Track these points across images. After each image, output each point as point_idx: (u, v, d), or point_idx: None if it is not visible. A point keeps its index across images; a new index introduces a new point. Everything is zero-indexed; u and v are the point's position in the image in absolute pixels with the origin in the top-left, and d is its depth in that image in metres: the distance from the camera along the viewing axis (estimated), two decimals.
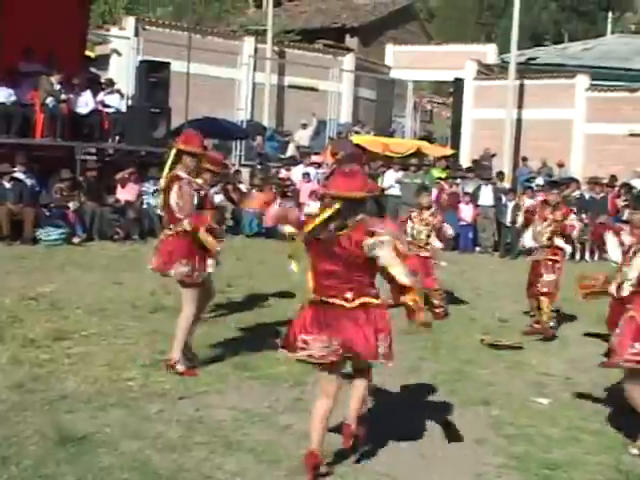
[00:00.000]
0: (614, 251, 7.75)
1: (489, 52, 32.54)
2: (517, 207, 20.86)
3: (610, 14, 42.97)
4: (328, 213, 5.47)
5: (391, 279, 5.54)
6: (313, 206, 20.86)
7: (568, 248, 11.37)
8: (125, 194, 18.16)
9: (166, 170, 7.85)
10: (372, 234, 5.40)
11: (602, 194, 21.33)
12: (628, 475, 5.86)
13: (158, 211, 8.34)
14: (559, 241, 10.74)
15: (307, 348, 5.53)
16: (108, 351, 8.32)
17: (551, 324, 10.66)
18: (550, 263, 10.65)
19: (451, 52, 31.97)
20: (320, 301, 5.59)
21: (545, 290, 10.61)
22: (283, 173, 21.59)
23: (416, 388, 7.77)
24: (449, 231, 11.67)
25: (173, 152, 7.85)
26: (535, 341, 10.29)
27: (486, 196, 21.43)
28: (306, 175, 21.49)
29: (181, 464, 5.59)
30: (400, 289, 5.56)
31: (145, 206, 18.43)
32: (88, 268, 13.47)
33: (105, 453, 5.63)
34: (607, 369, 8.99)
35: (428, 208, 11.41)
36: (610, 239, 7.87)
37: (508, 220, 20.50)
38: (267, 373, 7.90)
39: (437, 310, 10.99)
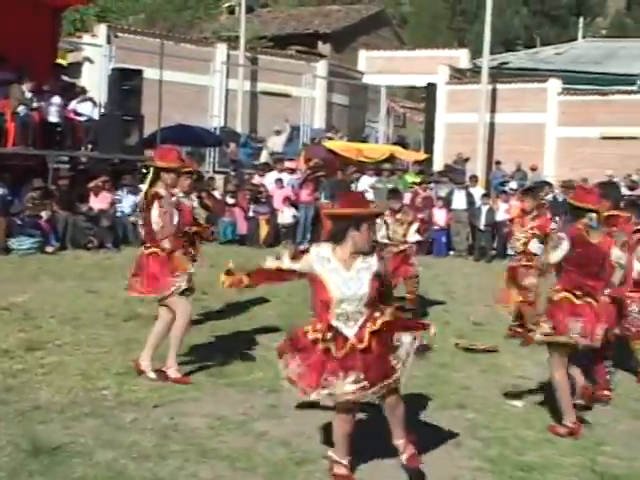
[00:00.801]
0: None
1: (461, 57, 32.71)
2: (491, 211, 21.01)
3: (581, 19, 43.26)
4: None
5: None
6: (287, 212, 20.91)
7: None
8: (98, 202, 18.08)
9: (145, 187, 7.79)
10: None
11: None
12: (603, 476, 5.89)
13: (139, 229, 8.34)
14: (532, 245, 10.76)
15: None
16: (82, 360, 8.27)
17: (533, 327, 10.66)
18: (525, 270, 10.68)
19: (423, 57, 32.11)
20: None
21: (530, 298, 10.64)
22: (256, 179, 21.55)
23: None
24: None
25: (152, 170, 7.80)
26: (510, 344, 10.30)
27: (459, 200, 21.51)
28: (279, 181, 21.47)
29: (156, 473, 5.56)
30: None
31: (119, 214, 18.36)
32: (61, 277, 13.39)
33: (79, 463, 5.59)
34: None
35: (399, 211, 11.60)
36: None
37: (482, 224, 20.60)
38: (242, 380, 7.89)
39: (410, 296, 11.17)
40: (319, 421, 6.80)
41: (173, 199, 7.82)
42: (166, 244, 7.63)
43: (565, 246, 6.90)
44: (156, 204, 7.59)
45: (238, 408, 7.04)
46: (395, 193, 12.42)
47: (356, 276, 5.47)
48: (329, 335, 5.49)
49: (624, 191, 22.35)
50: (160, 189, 7.66)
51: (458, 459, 6.18)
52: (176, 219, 7.74)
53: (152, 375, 7.73)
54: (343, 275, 5.46)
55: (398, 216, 11.57)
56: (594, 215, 7.12)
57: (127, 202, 18.66)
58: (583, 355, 7.39)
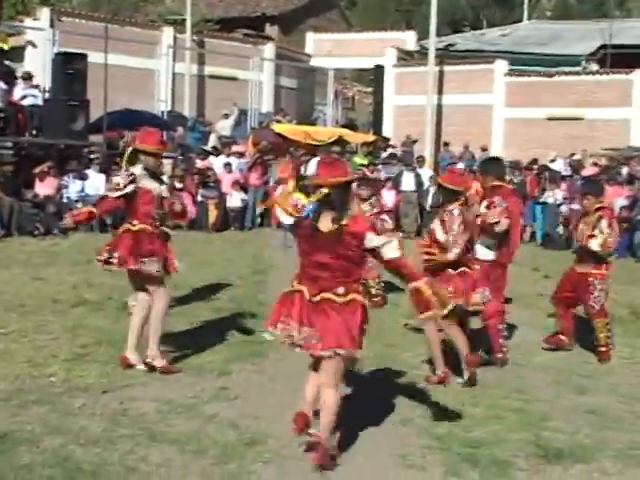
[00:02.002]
0: None
1: (409, 39, 32.77)
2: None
3: (526, 0, 43.59)
4: (316, 197, 5.54)
5: (399, 272, 5.70)
6: (236, 196, 20.86)
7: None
8: (44, 188, 17.89)
9: (123, 168, 7.67)
10: (374, 229, 5.64)
11: (521, 177, 21.68)
12: (547, 450, 6.00)
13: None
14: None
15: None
16: (29, 348, 8.19)
17: None
18: None
19: (371, 39, 32.12)
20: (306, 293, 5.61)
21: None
22: (199, 163, 21.37)
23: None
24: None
25: (128, 151, 7.70)
26: None
27: (408, 182, 21.63)
28: (228, 165, 21.40)
29: (105, 458, 5.54)
30: (409, 279, 5.66)
31: (65, 200, 18.18)
32: (7, 264, 13.25)
33: (26, 450, 5.54)
34: (526, 349, 9.27)
35: (367, 199, 11.44)
36: None
37: (429, 205, 20.74)
38: (192, 364, 7.89)
39: (375, 299, 11.09)
40: (268, 403, 6.85)
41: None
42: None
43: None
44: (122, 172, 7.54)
45: (188, 391, 7.03)
46: (365, 181, 12.07)
47: None
48: None
49: (568, 171, 22.74)
50: (137, 170, 7.55)
51: (406, 437, 6.25)
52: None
53: (142, 367, 7.61)
54: None
55: (363, 205, 11.32)
56: (461, 198, 7.78)
57: (73, 188, 18.49)
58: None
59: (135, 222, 7.58)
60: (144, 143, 7.64)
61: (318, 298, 5.54)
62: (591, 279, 8.93)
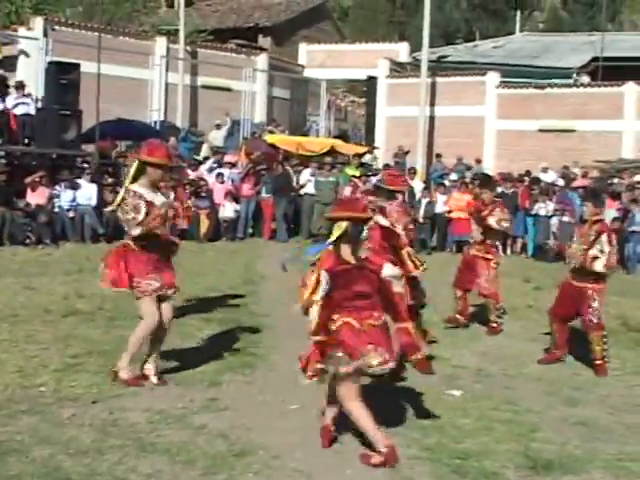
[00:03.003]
0: None
1: (401, 50, 32.85)
2: (430, 203, 21.21)
3: (519, 13, 43.77)
4: (338, 233, 6.02)
5: (392, 307, 6.22)
6: (228, 207, 20.86)
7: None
8: (36, 198, 17.87)
9: (127, 182, 7.54)
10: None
11: (513, 189, 21.73)
12: (536, 461, 6.00)
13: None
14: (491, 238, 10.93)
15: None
16: (19, 357, 8.17)
17: (499, 320, 10.84)
18: (484, 262, 10.81)
19: (364, 51, 32.20)
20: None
21: (487, 292, 10.78)
22: (191, 174, 21.32)
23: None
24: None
25: (136, 164, 7.57)
26: (448, 335, 10.43)
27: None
28: (220, 175, 21.41)
29: (94, 468, 5.54)
30: (399, 319, 6.24)
31: (57, 210, 18.17)
32: None
33: (15, 461, 5.54)
34: (517, 360, 9.30)
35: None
36: None
37: (421, 216, 20.77)
38: (182, 374, 7.87)
39: None
40: (258, 414, 6.85)
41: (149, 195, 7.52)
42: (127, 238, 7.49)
43: None
44: (129, 197, 7.37)
45: (178, 402, 7.02)
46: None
47: None
48: None
49: (560, 182, 22.82)
50: (137, 185, 7.42)
51: (395, 448, 6.24)
52: (142, 213, 7.37)
53: (155, 380, 7.55)
54: None
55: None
56: (400, 196, 8.92)
57: (65, 197, 18.48)
58: None
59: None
60: (152, 155, 7.50)
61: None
62: (590, 292, 8.93)
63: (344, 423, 6.56)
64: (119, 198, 7.52)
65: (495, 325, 10.77)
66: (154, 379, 7.58)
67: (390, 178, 9.06)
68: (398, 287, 6.02)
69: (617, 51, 30.88)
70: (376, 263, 6.20)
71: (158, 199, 7.55)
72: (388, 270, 6.11)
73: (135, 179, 7.49)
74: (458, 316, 10.97)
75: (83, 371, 7.81)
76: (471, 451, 6.21)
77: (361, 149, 25.94)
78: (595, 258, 8.81)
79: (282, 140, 24.38)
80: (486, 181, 12.02)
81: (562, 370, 8.99)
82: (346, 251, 6.05)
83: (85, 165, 20.18)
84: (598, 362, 8.93)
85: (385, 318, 6.08)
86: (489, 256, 10.86)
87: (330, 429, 6.26)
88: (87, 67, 20.54)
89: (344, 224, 6.00)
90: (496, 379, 8.47)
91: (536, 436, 6.65)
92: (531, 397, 7.83)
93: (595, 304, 8.93)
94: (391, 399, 7.44)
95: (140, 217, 7.29)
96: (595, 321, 8.93)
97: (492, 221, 10.72)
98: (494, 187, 12.20)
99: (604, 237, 8.84)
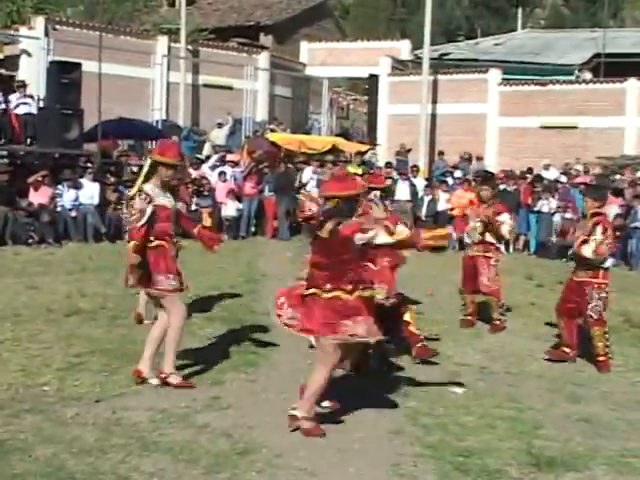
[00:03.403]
0: None
1: (403, 48, 32.81)
2: (433, 201, 21.21)
3: (520, 10, 43.73)
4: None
5: (401, 247, 6.96)
6: (230, 205, 20.86)
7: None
8: (38, 197, 17.88)
9: (139, 181, 7.50)
10: (363, 230, 6.32)
11: (515, 186, 21.73)
12: (539, 458, 6.00)
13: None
14: (489, 237, 10.88)
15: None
16: (22, 357, 8.19)
17: (502, 318, 10.84)
18: (484, 260, 10.80)
19: (365, 48, 32.17)
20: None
21: (487, 290, 10.77)
22: (193, 173, 21.32)
23: (332, 381, 7.81)
24: None
25: (148, 163, 7.56)
26: (451, 332, 10.44)
27: (403, 191, 21.66)
28: (222, 174, 21.41)
29: (97, 467, 5.55)
30: (410, 245, 6.76)
31: (59, 209, 18.18)
32: (1, 273, 13.26)
33: (19, 460, 5.55)
34: (519, 357, 9.30)
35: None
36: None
37: (423, 214, 20.78)
38: (185, 373, 7.87)
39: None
40: (261, 412, 6.85)
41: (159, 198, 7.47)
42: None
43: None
44: (138, 199, 7.34)
45: (180, 401, 7.03)
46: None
47: None
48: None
49: (562, 179, 22.83)
50: (148, 185, 7.38)
51: (399, 446, 6.25)
52: (147, 215, 7.32)
53: (155, 381, 7.49)
54: None
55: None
56: (378, 192, 8.97)
57: (68, 197, 18.50)
58: None
59: (152, 239, 7.42)
60: (165, 155, 7.50)
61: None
62: (589, 287, 8.93)
63: (345, 421, 6.60)
64: (131, 194, 7.54)
65: (498, 322, 10.76)
66: (155, 381, 7.55)
67: (370, 177, 9.71)
68: (384, 239, 6.43)
69: (619, 47, 30.85)
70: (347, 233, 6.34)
71: (168, 201, 7.55)
72: (362, 240, 6.31)
73: (147, 178, 7.48)
74: (470, 317, 10.98)
75: (86, 370, 7.83)
76: (474, 449, 6.21)
77: (363, 147, 25.93)
78: (584, 242, 8.84)
79: (284, 138, 24.36)
80: (487, 178, 12.01)
81: (565, 367, 8.99)
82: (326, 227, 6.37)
83: (87, 164, 20.18)
84: (601, 358, 8.93)
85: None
86: (489, 254, 10.85)
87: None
88: (89, 66, 20.53)
89: (335, 201, 6.36)
90: (499, 376, 8.47)
91: (539, 433, 6.65)
92: (534, 394, 7.83)
93: (594, 300, 8.91)
94: (393, 397, 7.45)
95: (142, 222, 7.28)
96: (595, 317, 8.91)
97: (505, 231, 10.73)
98: (494, 184, 12.18)
99: (599, 227, 8.87)
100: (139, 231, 7.30)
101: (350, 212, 6.44)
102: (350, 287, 6.38)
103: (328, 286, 6.34)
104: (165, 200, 7.52)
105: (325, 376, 6.44)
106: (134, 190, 7.54)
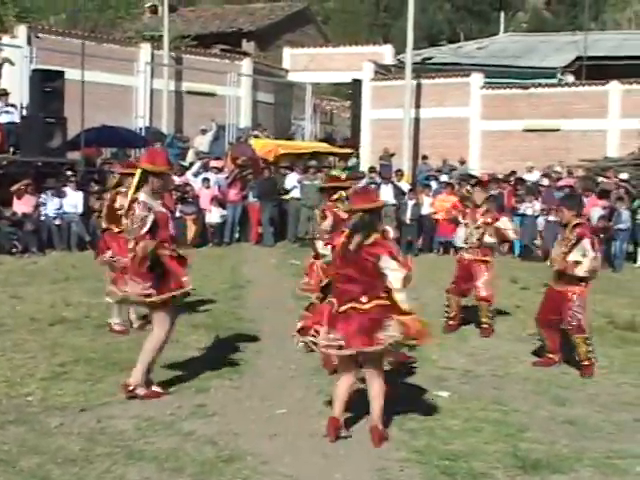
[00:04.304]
0: None
1: (386, 53, 32.80)
2: (417, 205, 21.23)
3: (502, 14, 43.86)
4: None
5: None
6: (215, 212, 20.83)
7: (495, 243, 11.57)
8: (22, 206, 17.82)
9: (131, 192, 7.43)
10: (390, 253, 6.39)
11: (498, 190, 21.75)
12: (524, 461, 6.02)
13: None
14: (488, 239, 10.89)
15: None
16: (6, 367, 8.16)
17: (491, 322, 10.85)
18: (482, 265, 10.81)
19: (348, 54, 32.13)
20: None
21: (484, 294, 10.77)
22: (177, 180, 21.25)
23: (317, 387, 7.82)
24: None
25: (138, 172, 7.45)
26: (435, 336, 10.40)
27: (386, 194, 21.65)
28: (206, 181, 21.38)
29: (82, 477, 5.53)
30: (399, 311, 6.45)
31: (43, 218, 18.12)
32: None
33: (3, 471, 5.53)
34: (505, 360, 9.31)
35: None
36: None
37: (408, 218, 20.80)
38: (170, 381, 7.85)
39: None
40: (246, 419, 6.84)
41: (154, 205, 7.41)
42: (131, 246, 7.36)
43: None
44: (134, 208, 7.27)
45: (166, 409, 7.01)
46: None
47: None
48: None
49: (545, 181, 22.90)
50: (142, 194, 7.31)
51: (385, 451, 6.25)
52: (149, 224, 7.25)
53: (142, 392, 7.37)
54: None
55: None
56: (343, 192, 8.92)
57: (51, 205, 18.43)
58: None
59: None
60: (154, 164, 7.44)
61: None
62: (570, 295, 8.92)
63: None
64: (127, 205, 7.46)
65: (487, 326, 10.77)
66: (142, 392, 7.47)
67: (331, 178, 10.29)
68: (395, 283, 6.40)
69: (601, 50, 30.96)
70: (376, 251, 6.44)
71: (161, 207, 7.51)
72: (387, 263, 6.37)
73: (138, 188, 7.41)
74: (452, 322, 10.98)
75: (70, 379, 7.80)
76: (460, 452, 6.23)
77: (346, 151, 25.98)
78: (577, 263, 8.80)
79: (266, 145, 24.40)
80: (480, 181, 12.07)
81: (550, 370, 9.00)
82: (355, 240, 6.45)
83: (71, 173, 20.11)
84: (585, 363, 8.90)
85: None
86: (487, 258, 10.87)
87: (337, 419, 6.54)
88: (71, 74, 20.49)
89: (359, 214, 6.49)
90: (484, 380, 8.48)
91: (524, 436, 6.66)
92: (519, 397, 7.84)
93: (575, 307, 8.90)
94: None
95: (145, 230, 7.22)
96: (574, 324, 8.89)
97: (512, 235, 10.78)
98: (487, 188, 12.22)
99: (586, 241, 8.82)
100: (143, 238, 7.23)
101: (374, 225, 6.52)
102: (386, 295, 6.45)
103: (364, 299, 6.37)
104: (161, 207, 7.49)
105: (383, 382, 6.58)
106: (128, 201, 7.49)
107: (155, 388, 7.49)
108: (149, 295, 7.30)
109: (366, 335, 6.30)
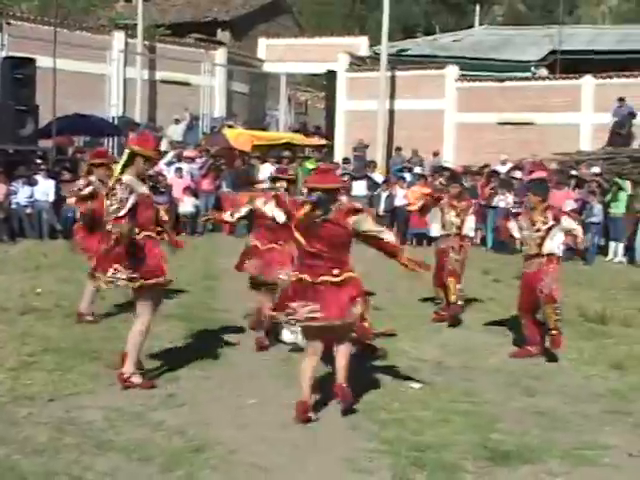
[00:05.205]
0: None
1: (361, 44, 32.80)
2: (390, 197, 21.24)
3: (478, 7, 43.91)
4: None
5: (379, 246, 6.83)
6: (187, 202, 20.73)
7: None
8: None
9: (117, 171, 7.36)
10: (355, 212, 6.70)
11: (472, 182, 21.78)
12: (494, 452, 6.03)
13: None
14: (468, 225, 11.03)
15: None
16: None
17: (459, 302, 10.89)
18: (457, 246, 10.91)
19: (323, 44, 32.08)
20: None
21: (451, 269, 10.83)
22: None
23: (288, 378, 7.79)
24: None
25: (127, 153, 7.40)
26: (408, 328, 10.43)
27: (359, 187, 21.67)
28: (179, 170, 21.28)
29: (50, 467, 5.47)
30: (391, 252, 6.87)
31: (14, 206, 17.96)
32: None
33: None
34: (477, 352, 9.33)
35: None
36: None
37: (382, 209, 20.81)
38: (140, 371, 7.78)
39: None
40: (216, 409, 6.81)
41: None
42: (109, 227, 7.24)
43: None
44: (118, 186, 7.19)
45: (135, 399, 6.96)
46: None
47: None
48: None
49: (517, 173, 22.95)
50: (126, 175, 7.24)
51: (355, 441, 6.24)
52: (129, 205, 7.15)
53: (138, 381, 7.32)
54: None
55: None
56: (284, 183, 9.14)
57: (22, 193, 18.28)
58: None
59: (137, 230, 7.28)
60: (144, 147, 7.41)
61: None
62: (544, 272, 9.04)
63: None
64: (110, 185, 7.39)
65: (444, 313, 10.90)
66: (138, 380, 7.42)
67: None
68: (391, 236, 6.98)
69: (575, 44, 31.10)
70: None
71: (146, 189, 7.47)
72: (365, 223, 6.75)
73: (124, 169, 7.33)
74: (444, 312, 11.04)
75: (40, 369, 7.72)
76: (430, 443, 6.22)
77: (319, 142, 25.95)
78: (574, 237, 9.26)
79: (240, 135, 24.31)
80: (454, 175, 12.14)
81: (521, 361, 9.03)
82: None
83: (41, 161, 19.95)
84: (553, 332, 9.05)
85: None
86: (462, 243, 10.99)
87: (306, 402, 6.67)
88: (43, 62, 20.33)
89: (318, 193, 6.63)
90: (456, 371, 8.49)
91: (495, 427, 6.67)
92: (490, 388, 7.86)
93: (547, 278, 9.04)
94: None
95: (123, 211, 7.13)
96: (545, 292, 9.02)
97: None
98: (461, 180, 12.34)
99: (565, 218, 9.21)
100: (119, 221, 7.13)
101: (329, 204, 6.65)
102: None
103: (336, 271, 6.62)
104: (145, 189, 7.43)
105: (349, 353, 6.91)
106: (112, 181, 7.43)
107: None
108: (134, 279, 7.21)
109: (340, 307, 6.59)
